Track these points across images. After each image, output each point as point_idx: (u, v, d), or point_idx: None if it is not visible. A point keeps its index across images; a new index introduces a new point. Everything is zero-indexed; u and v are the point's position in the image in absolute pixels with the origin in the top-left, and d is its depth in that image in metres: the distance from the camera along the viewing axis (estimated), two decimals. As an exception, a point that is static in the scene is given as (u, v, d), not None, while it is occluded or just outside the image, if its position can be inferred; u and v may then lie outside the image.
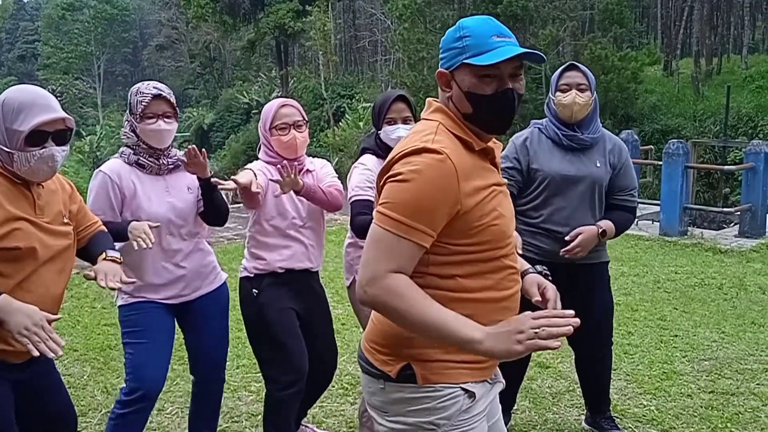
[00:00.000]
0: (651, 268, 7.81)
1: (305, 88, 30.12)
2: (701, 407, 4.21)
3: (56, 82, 49.46)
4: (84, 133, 41.55)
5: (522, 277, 2.13)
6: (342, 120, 25.93)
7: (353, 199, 3.37)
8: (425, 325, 1.77)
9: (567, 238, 3.44)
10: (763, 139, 13.31)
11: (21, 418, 2.48)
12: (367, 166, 3.44)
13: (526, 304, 2.06)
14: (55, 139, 2.39)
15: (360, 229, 3.27)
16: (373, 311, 1.99)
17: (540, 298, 2.14)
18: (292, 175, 3.19)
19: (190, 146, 3.12)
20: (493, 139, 2.01)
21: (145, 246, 2.89)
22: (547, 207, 3.52)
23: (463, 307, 1.85)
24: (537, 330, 1.68)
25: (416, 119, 3.45)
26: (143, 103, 3.10)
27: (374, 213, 1.87)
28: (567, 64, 3.60)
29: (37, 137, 2.34)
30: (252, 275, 3.42)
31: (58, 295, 2.49)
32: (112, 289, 2.55)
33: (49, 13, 61.04)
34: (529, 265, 2.26)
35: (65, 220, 2.56)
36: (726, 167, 12.16)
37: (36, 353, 2.07)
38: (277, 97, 32.56)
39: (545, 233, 3.51)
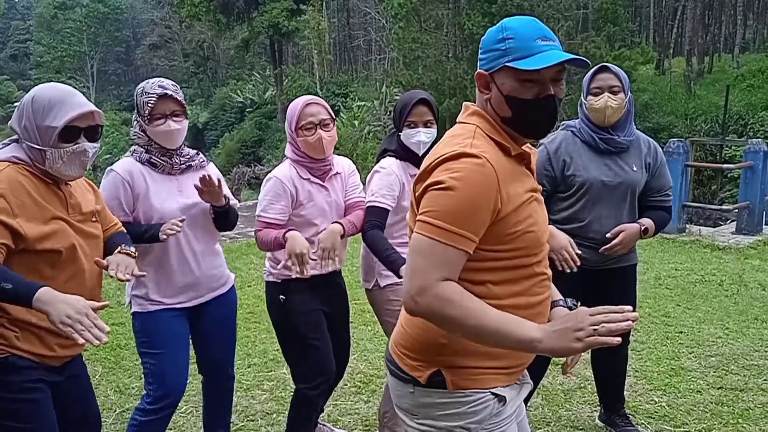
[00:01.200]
0: (651, 265, 7.88)
1: (300, 87, 30.06)
2: (711, 403, 4.27)
3: (49, 81, 49.40)
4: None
5: (551, 308, 2.09)
6: (337, 119, 25.91)
7: (370, 204, 3.32)
8: (482, 330, 1.75)
9: (609, 235, 3.38)
10: (754, 137, 13.40)
11: (58, 421, 2.49)
12: (389, 170, 3.39)
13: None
14: (86, 134, 2.40)
15: (374, 239, 3.24)
16: (401, 316, 2.01)
17: None
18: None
19: (205, 174, 3.08)
20: (528, 144, 1.99)
21: (177, 230, 2.94)
22: (588, 215, 3.43)
23: None
24: (596, 327, 1.67)
25: (437, 121, 3.46)
26: (150, 104, 3.04)
27: (416, 222, 1.83)
28: (598, 66, 3.49)
29: (70, 133, 2.35)
30: (279, 281, 3.37)
31: (97, 295, 2.52)
32: (121, 280, 2.53)
33: (40, 12, 60.69)
34: (560, 296, 2.18)
35: (94, 219, 2.58)
36: (726, 166, 12.23)
37: (81, 341, 2.06)
38: (272, 95, 32.61)
39: (585, 241, 3.41)
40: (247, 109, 33.94)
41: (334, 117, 3.39)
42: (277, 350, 5.17)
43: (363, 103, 26.28)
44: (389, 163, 3.42)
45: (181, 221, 3.00)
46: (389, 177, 3.36)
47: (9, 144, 2.44)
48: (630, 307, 1.72)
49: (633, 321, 1.68)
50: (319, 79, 31.12)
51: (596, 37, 22.01)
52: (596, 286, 3.51)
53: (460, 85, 22.16)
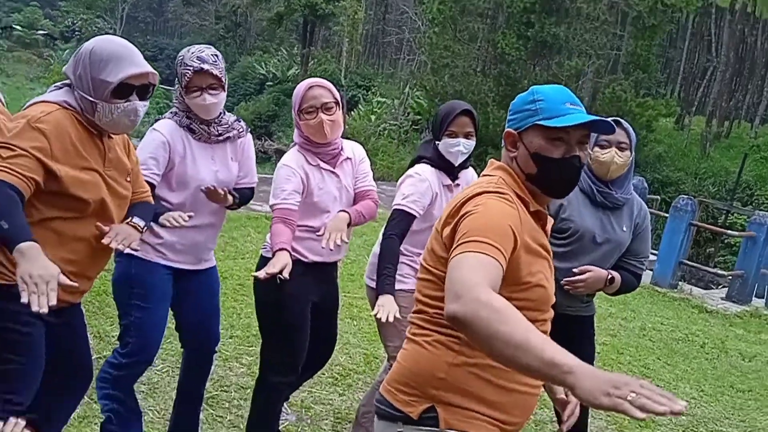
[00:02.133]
0: (638, 314, 7.95)
1: (324, 71, 30.05)
2: (675, 459, 4.34)
3: (77, 17, 49.03)
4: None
5: None
6: (355, 110, 25.92)
7: (398, 207, 3.28)
8: (517, 340, 1.55)
9: (575, 270, 3.30)
10: (758, 209, 13.50)
11: (46, 363, 2.48)
12: (423, 176, 3.36)
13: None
14: (138, 93, 2.41)
15: (387, 250, 3.22)
16: (399, 355, 2.02)
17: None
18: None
19: (209, 185, 3.08)
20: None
21: (180, 224, 2.90)
22: (569, 262, 3.33)
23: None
24: (635, 394, 1.43)
25: (477, 135, 3.45)
26: (186, 77, 3.04)
27: (451, 254, 1.80)
28: (612, 119, 3.49)
29: (124, 90, 2.36)
30: None
31: (109, 252, 2.54)
32: (116, 249, 2.48)
33: (77, -59, 60.44)
34: None
35: (128, 179, 2.59)
36: (730, 232, 12.35)
37: (24, 300, 2.00)
38: (295, 74, 32.62)
39: (559, 286, 3.27)
40: (268, 83, 33.78)
41: (339, 101, 3.27)
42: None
43: (383, 99, 26.27)
44: (423, 169, 3.39)
45: (189, 217, 2.96)
46: (422, 184, 3.33)
47: (62, 88, 2.45)
48: (681, 402, 1.50)
49: (676, 413, 1.45)
50: (345, 68, 31.11)
51: (624, 81, 22.11)
52: (556, 329, 3.51)
53: (483, 100, 22.18)
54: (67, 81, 2.45)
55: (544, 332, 1.96)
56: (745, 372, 6.52)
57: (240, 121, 3.34)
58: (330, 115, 3.20)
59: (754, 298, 9.94)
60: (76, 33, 48.19)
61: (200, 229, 3.20)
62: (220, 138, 3.21)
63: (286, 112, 31.70)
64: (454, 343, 1.91)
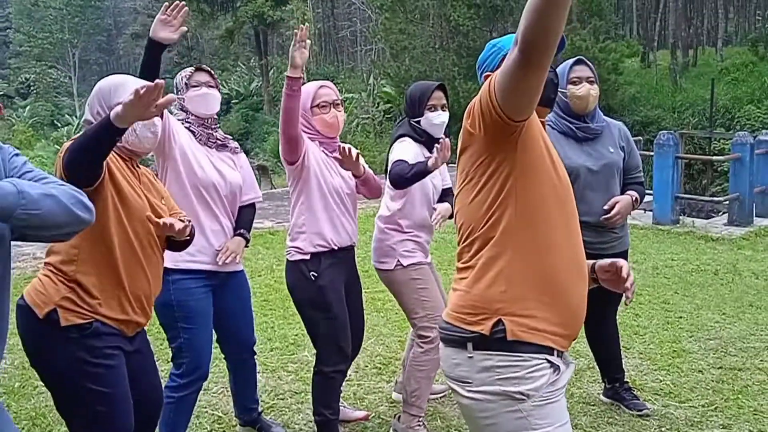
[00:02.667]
0: (648, 256, 8.12)
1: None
2: (712, 381, 4.52)
3: (30, 71, 48.79)
4: (59, 124, 40.98)
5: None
6: (324, 110, 25.98)
7: (393, 161, 3.57)
8: None
9: (606, 207, 3.67)
10: (741, 131, 13.71)
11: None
12: (410, 143, 3.67)
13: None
14: None
15: (398, 177, 3.48)
16: (459, 285, 2.13)
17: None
18: (353, 158, 3.40)
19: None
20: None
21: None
22: (579, 201, 3.56)
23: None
24: None
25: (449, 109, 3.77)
26: (187, 76, 3.41)
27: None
28: (575, 58, 3.79)
29: None
30: (308, 257, 3.48)
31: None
32: (171, 224, 2.61)
33: (20, -1, 60.04)
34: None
35: (162, 202, 2.76)
36: (715, 158, 12.52)
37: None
38: (258, 86, 32.45)
39: (585, 227, 3.62)
40: (233, 101, 33.82)
41: (342, 100, 3.69)
42: (296, 335, 5.38)
43: (351, 95, 26.32)
44: (408, 140, 3.69)
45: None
46: (411, 146, 3.65)
47: None
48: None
49: None
50: (306, 71, 31.16)
51: (581, 30, 22.25)
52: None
53: (449, 75, 22.30)
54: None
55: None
56: (761, 290, 6.71)
57: (233, 141, 3.61)
58: (340, 112, 3.59)
59: (755, 218, 10.11)
60: (32, 87, 47.89)
61: (221, 232, 3.42)
62: (219, 143, 3.46)
63: (257, 126, 31.67)
64: (506, 255, 2.04)
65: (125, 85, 2.58)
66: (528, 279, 2.04)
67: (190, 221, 2.72)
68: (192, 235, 2.78)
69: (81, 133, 2.39)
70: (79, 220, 1.92)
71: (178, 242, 2.75)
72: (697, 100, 21.82)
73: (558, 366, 2.07)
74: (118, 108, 2.24)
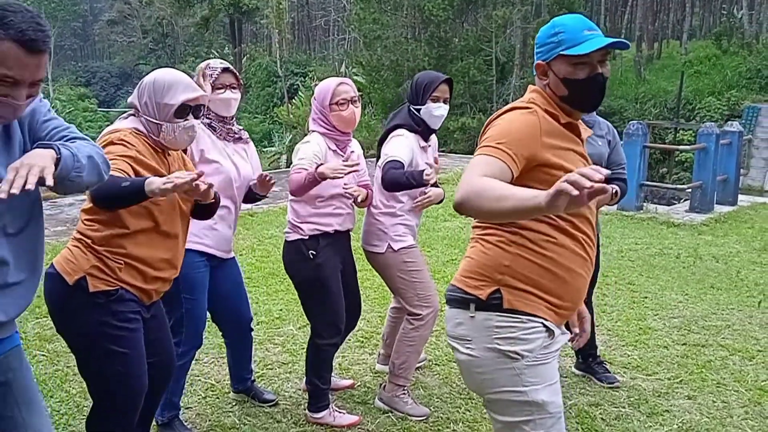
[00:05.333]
0: (613, 240, 8.44)
1: (259, 66, 30.08)
2: (677, 356, 4.81)
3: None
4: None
5: None
6: (295, 97, 26.08)
7: (387, 160, 3.71)
8: (499, 194, 1.86)
9: None
10: (701, 122, 14.12)
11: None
12: (406, 136, 3.80)
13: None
14: (193, 112, 2.83)
15: (390, 182, 3.65)
16: (471, 252, 2.34)
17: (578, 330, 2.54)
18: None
19: (263, 174, 3.54)
20: (580, 122, 2.37)
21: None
22: None
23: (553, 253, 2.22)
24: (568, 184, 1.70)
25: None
26: (213, 76, 3.53)
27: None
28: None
29: (183, 111, 2.79)
30: (307, 237, 3.66)
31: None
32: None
33: (-7, -17, 58.55)
34: None
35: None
36: (682, 147, 12.88)
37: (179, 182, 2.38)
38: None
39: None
40: (204, 87, 33.72)
41: (359, 96, 3.79)
42: (281, 310, 5.61)
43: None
44: (404, 132, 3.84)
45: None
46: (406, 140, 3.80)
47: (128, 117, 2.85)
48: (603, 170, 1.75)
49: (596, 181, 1.70)
50: (279, 59, 31.19)
51: (552, 22, 22.57)
52: None
53: (420, 66, 22.51)
54: (131, 111, 2.85)
55: (582, 232, 2.29)
56: (721, 272, 7.06)
57: (245, 132, 3.78)
58: (357, 107, 3.72)
59: (715, 206, 10.53)
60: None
61: (231, 222, 3.63)
62: (236, 136, 3.65)
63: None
64: (514, 239, 2.23)
65: (179, 85, 2.79)
66: (533, 263, 2.23)
67: (212, 185, 2.82)
68: (217, 199, 2.95)
69: (115, 177, 2.44)
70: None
71: (204, 211, 2.95)
72: (659, 92, 22.31)
73: (553, 330, 2.27)
74: (155, 186, 2.39)
